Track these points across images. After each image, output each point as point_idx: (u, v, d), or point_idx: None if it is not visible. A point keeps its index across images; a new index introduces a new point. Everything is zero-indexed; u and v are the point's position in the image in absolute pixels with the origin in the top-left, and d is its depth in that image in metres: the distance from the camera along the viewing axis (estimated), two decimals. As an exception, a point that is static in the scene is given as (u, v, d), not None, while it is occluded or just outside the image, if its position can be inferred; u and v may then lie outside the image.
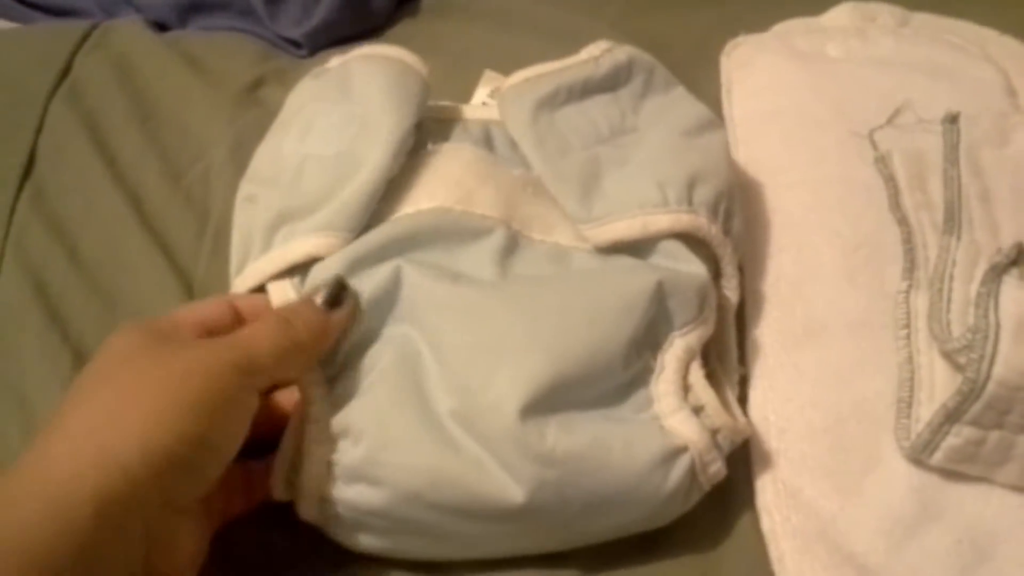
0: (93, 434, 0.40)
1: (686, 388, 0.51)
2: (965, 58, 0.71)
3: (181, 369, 0.43)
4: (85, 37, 0.79)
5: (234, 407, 0.44)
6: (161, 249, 0.65)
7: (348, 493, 0.48)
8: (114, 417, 0.41)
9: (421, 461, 0.47)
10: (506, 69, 0.65)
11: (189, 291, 0.62)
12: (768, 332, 0.58)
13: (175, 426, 0.41)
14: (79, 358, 0.59)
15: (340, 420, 0.48)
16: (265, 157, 0.60)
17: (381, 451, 0.47)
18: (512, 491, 0.46)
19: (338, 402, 0.49)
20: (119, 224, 0.66)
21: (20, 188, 0.68)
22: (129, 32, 0.80)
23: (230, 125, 0.72)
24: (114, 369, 0.43)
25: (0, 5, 0.89)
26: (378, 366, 0.50)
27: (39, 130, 0.72)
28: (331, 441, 0.48)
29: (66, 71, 0.76)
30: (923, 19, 0.76)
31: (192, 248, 0.65)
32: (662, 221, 0.53)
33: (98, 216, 0.67)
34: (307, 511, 0.49)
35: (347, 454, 0.47)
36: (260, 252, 0.55)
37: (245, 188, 0.58)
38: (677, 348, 0.51)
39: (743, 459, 0.53)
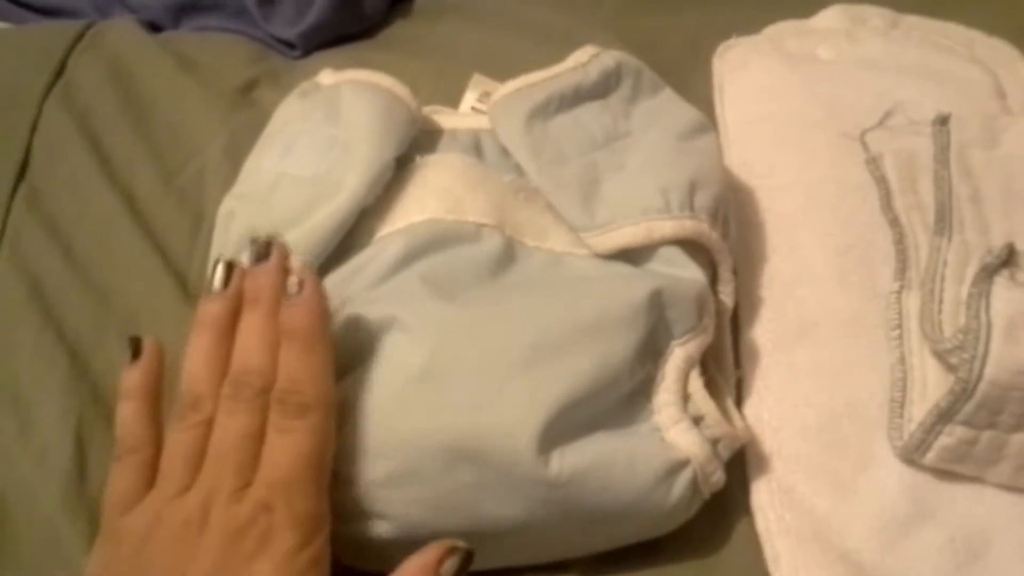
0: None
1: (686, 398, 0.50)
2: (954, 60, 0.72)
3: None
4: (79, 37, 0.79)
5: None
6: (156, 249, 0.65)
7: (348, 527, 0.48)
8: None
9: (418, 494, 0.46)
10: (499, 71, 0.66)
11: (184, 291, 0.62)
12: (762, 332, 0.58)
13: None
14: (75, 358, 0.59)
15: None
16: (247, 172, 0.59)
17: (375, 489, 0.47)
18: (514, 513, 0.46)
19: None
20: (113, 224, 0.66)
21: (15, 188, 0.68)
22: (123, 32, 0.80)
23: (223, 125, 0.72)
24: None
25: (-7, 5, 0.89)
26: (367, 392, 0.48)
27: (33, 130, 0.72)
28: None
29: (60, 71, 0.76)
30: (913, 21, 0.77)
31: (186, 248, 0.65)
32: (666, 227, 0.53)
33: (92, 216, 0.67)
34: None
35: (339, 492, 0.47)
36: None
37: (227, 203, 0.58)
38: (677, 357, 0.51)
39: (738, 459, 0.53)
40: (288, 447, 0.44)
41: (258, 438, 0.45)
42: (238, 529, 0.42)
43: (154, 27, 0.84)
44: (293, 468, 0.44)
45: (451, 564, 0.43)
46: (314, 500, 0.44)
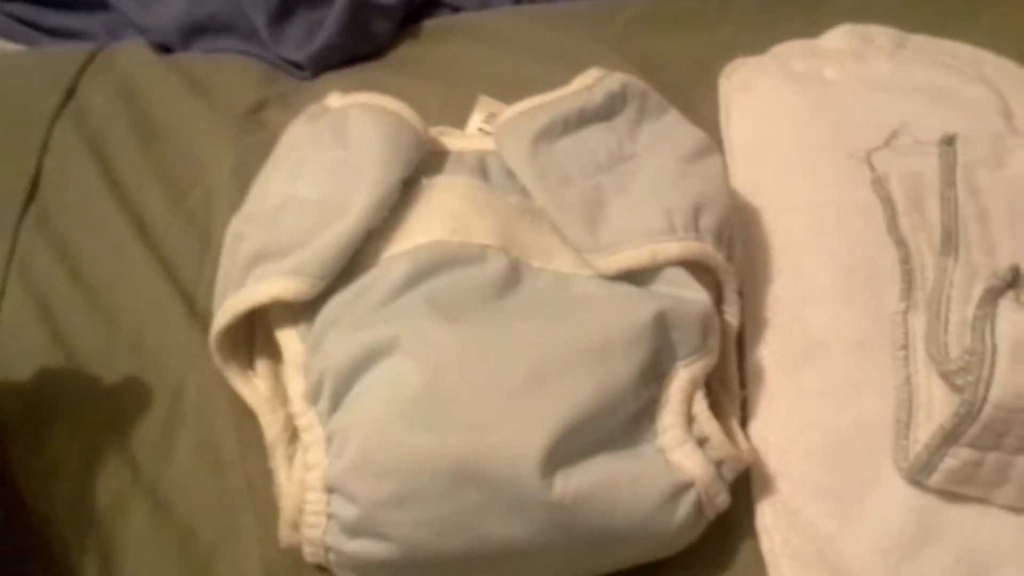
0: None
1: (690, 419, 0.50)
2: (962, 80, 0.72)
3: None
4: (90, 60, 0.80)
5: None
6: (164, 270, 0.65)
7: (350, 547, 0.48)
8: None
9: (422, 515, 0.46)
10: (506, 93, 0.66)
11: (192, 312, 0.63)
12: (768, 354, 0.58)
13: None
14: (83, 379, 0.60)
15: (333, 476, 0.48)
16: (255, 194, 0.60)
17: (379, 510, 0.47)
18: (518, 535, 0.46)
19: (335, 448, 0.49)
20: (122, 246, 0.67)
21: (25, 210, 0.69)
22: (133, 55, 0.81)
23: (233, 147, 0.72)
24: None
25: (6, 27, 0.89)
26: (372, 412, 0.49)
27: (44, 152, 0.72)
28: (328, 491, 0.48)
29: (71, 93, 0.77)
30: (920, 41, 0.77)
31: (194, 269, 0.66)
32: (671, 249, 0.53)
33: (101, 238, 0.67)
34: (313, 557, 0.50)
35: (344, 509, 0.48)
36: (236, 289, 0.54)
37: (235, 225, 0.58)
38: (682, 379, 0.51)
39: (743, 480, 0.53)
40: None
41: None
42: None
43: (164, 49, 0.84)
44: None
45: None
46: None
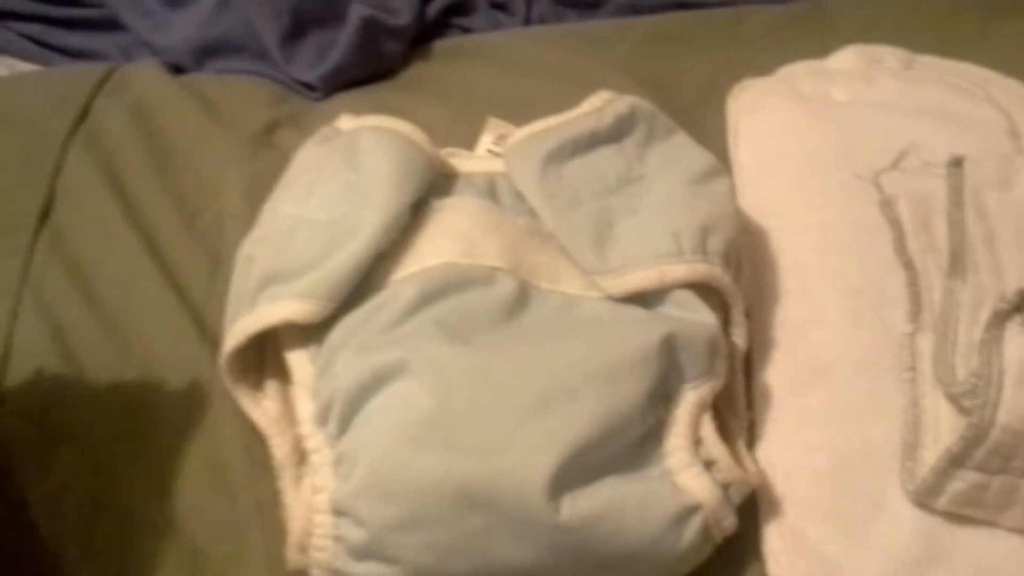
0: None
1: (697, 441, 0.51)
2: (969, 101, 0.72)
3: None
4: (103, 80, 0.80)
5: None
6: (176, 291, 0.65)
7: (358, 570, 0.48)
8: None
9: (430, 538, 0.47)
10: (515, 113, 0.67)
11: (202, 333, 0.63)
12: (774, 375, 0.58)
13: None
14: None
15: (341, 500, 0.48)
16: (266, 216, 0.60)
17: (386, 533, 0.47)
18: (525, 558, 0.47)
19: (343, 471, 0.49)
20: (135, 267, 0.67)
21: (38, 231, 0.69)
22: (146, 75, 0.81)
23: (244, 168, 0.73)
24: None
25: (20, 47, 0.90)
26: (380, 435, 0.49)
27: (57, 173, 0.73)
28: (336, 514, 0.49)
29: (84, 114, 0.77)
30: (928, 62, 0.77)
31: (206, 290, 0.66)
32: (679, 271, 0.53)
33: (114, 259, 0.67)
34: None
35: (352, 533, 0.48)
36: (246, 311, 0.54)
37: (246, 247, 0.58)
38: (689, 401, 0.51)
39: (750, 503, 0.53)
40: None
41: None
42: None
43: (177, 69, 0.85)
44: None
45: None
46: None
